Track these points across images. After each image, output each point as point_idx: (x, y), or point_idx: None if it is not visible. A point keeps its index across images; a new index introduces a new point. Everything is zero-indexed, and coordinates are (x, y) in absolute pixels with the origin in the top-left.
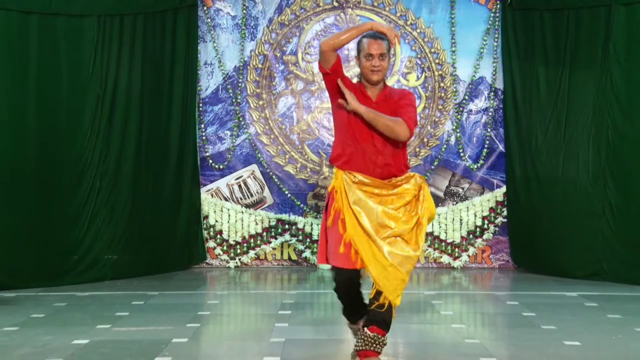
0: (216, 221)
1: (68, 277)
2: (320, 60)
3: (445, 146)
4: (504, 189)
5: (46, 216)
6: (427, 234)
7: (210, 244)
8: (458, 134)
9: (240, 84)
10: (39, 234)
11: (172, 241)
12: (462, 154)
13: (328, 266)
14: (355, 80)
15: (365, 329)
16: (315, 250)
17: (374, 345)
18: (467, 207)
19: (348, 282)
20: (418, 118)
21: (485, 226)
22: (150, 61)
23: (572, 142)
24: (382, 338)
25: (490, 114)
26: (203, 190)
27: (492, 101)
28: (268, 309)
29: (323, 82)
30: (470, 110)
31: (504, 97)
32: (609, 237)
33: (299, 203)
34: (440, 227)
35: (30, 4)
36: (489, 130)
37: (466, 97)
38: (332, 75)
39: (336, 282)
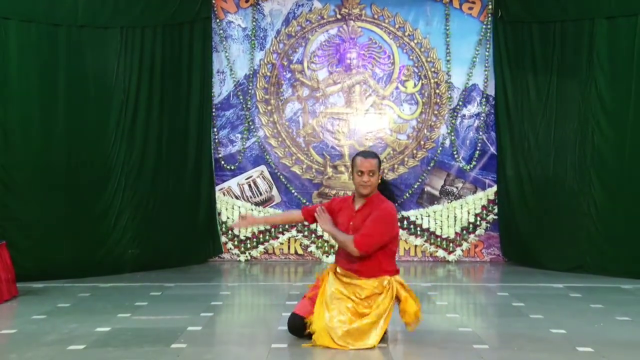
0: (228, 218)
1: (94, 270)
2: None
3: (440, 148)
4: (494, 188)
5: (76, 213)
6: (424, 230)
7: (223, 239)
8: (452, 137)
9: (250, 91)
10: (69, 230)
11: (190, 236)
12: (456, 156)
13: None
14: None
15: None
16: (319, 245)
17: None
18: (461, 205)
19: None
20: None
21: (478, 223)
22: (168, 69)
23: (561, 145)
24: None
25: (482, 118)
26: (216, 189)
27: (484, 107)
28: (276, 299)
29: (327, 89)
30: (464, 115)
31: (496, 103)
32: (592, 233)
33: (304, 201)
34: (435, 223)
35: (58, 17)
36: (481, 133)
37: (460, 103)
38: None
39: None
